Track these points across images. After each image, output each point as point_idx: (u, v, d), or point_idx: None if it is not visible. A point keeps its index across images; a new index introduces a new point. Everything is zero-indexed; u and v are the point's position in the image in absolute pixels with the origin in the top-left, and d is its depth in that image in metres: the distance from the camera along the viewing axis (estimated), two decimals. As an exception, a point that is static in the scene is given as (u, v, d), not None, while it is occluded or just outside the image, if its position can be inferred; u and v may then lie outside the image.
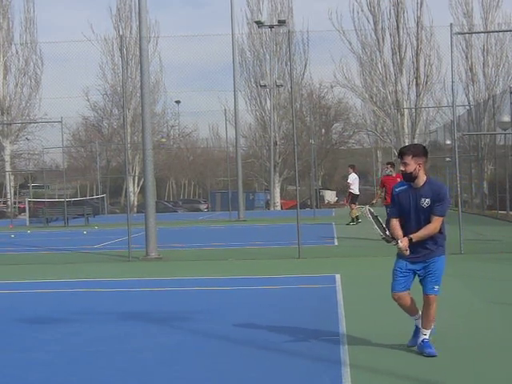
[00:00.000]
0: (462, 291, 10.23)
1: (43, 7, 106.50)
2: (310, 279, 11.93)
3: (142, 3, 16.65)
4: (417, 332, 6.58)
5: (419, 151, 6.40)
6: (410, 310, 6.63)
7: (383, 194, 18.96)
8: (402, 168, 6.38)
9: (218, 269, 13.87)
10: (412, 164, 6.32)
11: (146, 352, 6.94)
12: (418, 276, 6.54)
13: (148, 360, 6.61)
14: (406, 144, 49.33)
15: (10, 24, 50.14)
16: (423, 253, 6.40)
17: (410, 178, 6.38)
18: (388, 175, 19.41)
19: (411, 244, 6.35)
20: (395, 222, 6.46)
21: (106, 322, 8.62)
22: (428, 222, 6.34)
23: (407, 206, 6.37)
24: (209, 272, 13.43)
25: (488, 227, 22.24)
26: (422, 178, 6.37)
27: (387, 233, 6.42)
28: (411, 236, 6.32)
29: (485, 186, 34.22)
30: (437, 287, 6.46)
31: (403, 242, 6.32)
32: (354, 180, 24.82)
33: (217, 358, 6.61)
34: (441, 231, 6.45)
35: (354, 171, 25.11)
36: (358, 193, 25.36)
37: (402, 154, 6.41)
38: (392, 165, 19.80)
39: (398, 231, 6.43)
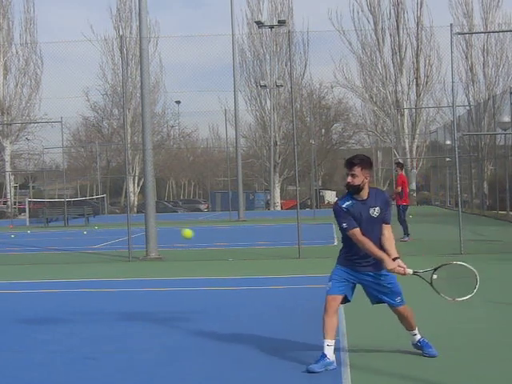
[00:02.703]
0: (462, 291, 10.23)
1: (43, 7, 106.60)
2: (310, 279, 11.91)
3: (142, 3, 16.65)
4: (322, 357, 5.96)
5: (368, 164, 6.11)
6: (330, 326, 6.04)
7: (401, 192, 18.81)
8: (349, 180, 6.06)
9: (218, 269, 13.87)
10: (360, 176, 6.04)
11: (145, 352, 6.94)
12: (366, 287, 6.27)
13: (148, 360, 6.60)
14: (406, 144, 49.56)
15: (10, 24, 50.32)
16: (372, 262, 6.12)
17: (356, 190, 6.08)
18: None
19: (360, 255, 6.12)
20: (362, 235, 6.07)
21: (106, 322, 8.62)
22: (379, 231, 6.14)
23: (359, 219, 6.08)
24: (209, 272, 13.42)
25: (488, 227, 22.24)
26: (366, 190, 6.12)
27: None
28: (396, 257, 6.10)
29: (485, 186, 34.22)
30: (399, 298, 6.29)
31: (401, 268, 6.09)
32: None
33: (217, 358, 6.60)
34: None
35: None
36: None
37: (350, 164, 6.07)
38: (397, 164, 20.38)
39: (376, 248, 6.09)
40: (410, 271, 6.17)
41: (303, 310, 8.90)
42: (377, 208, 6.11)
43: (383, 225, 6.17)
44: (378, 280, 6.22)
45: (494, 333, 7.39)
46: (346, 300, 6.27)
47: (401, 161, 30.57)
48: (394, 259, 6.10)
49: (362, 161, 6.10)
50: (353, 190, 6.11)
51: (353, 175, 6.06)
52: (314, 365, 5.97)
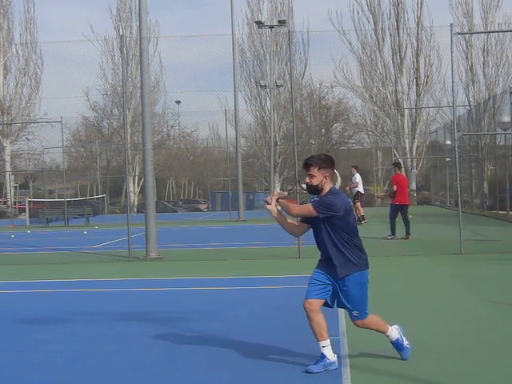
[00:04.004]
0: (462, 291, 10.23)
1: (43, 7, 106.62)
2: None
3: (142, 3, 16.65)
4: (321, 358, 5.97)
5: (326, 163, 6.03)
6: (318, 328, 5.97)
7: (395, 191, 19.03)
8: (308, 180, 6.01)
9: (218, 269, 13.87)
10: (318, 176, 5.98)
11: (145, 352, 6.94)
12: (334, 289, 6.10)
13: (147, 360, 6.60)
14: (406, 144, 49.57)
15: (10, 24, 50.27)
16: (332, 265, 6.01)
17: (315, 190, 6.04)
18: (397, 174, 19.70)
19: (323, 252, 6.13)
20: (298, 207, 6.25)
21: (106, 322, 8.62)
22: (328, 233, 5.99)
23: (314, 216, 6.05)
24: (209, 272, 13.42)
25: (488, 227, 22.23)
26: (325, 190, 6.02)
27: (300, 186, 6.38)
28: (279, 198, 6.10)
29: (485, 186, 34.21)
30: (356, 312, 6.05)
31: (273, 197, 6.10)
32: (360, 180, 24.93)
33: (216, 358, 6.60)
34: (349, 248, 6.01)
35: (357, 171, 25.19)
36: (363, 191, 25.64)
37: (307, 165, 6.02)
38: (395, 165, 20.64)
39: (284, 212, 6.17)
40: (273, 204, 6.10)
41: (303, 310, 8.89)
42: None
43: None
44: (339, 287, 6.04)
45: (494, 333, 7.39)
46: (327, 304, 6.10)
47: (400, 161, 30.61)
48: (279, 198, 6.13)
49: (318, 161, 6.05)
50: (312, 190, 6.06)
51: (310, 175, 6.02)
52: (313, 366, 5.97)
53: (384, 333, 6.25)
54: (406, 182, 19.64)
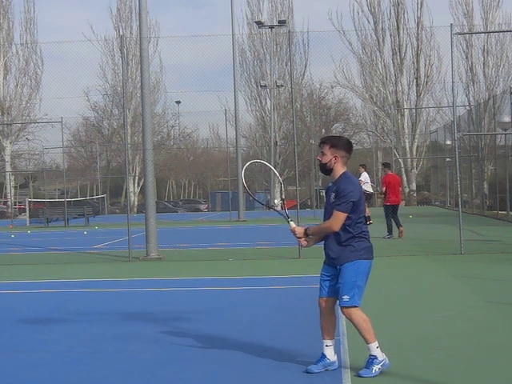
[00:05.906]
0: (462, 291, 10.23)
1: (43, 7, 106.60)
2: (311, 279, 11.87)
3: (142, 3, 16.65)
4: (322, 358, 5.97)
5: (339, 143, 6.01)
6: (328, 327, 6.01)
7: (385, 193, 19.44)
8: (319, 158, 6.07)
9: (219, 269, 13.87)
10: (328, 155, 5.97)
11: (145, 352, 6.94)
12: None
13: (148, 360, 6.60)
14: (407, 144, 49.62)
15: (10, 24, 50.34)
16: (329, 256, 6.02)
17: (324, 169, 6.05)
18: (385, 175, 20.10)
19: (324, 245, 6.07)
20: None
21: (106, 322, 8.62)
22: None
23: (327, 202, 6.06)
24: (209, 272, 13.42)
25: (488, 227, 22.23)
26: (337, 172, 5.98)
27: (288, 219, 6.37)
28: (308, 227, 6.06)
29: (485, 186, 34.22)
30: (346, 297, 5.84)
31: (295, 227, 6.13)
32: (366, 179, 24.73)
33: (217, 358, 6.60)
34: (351, 237, 5.93)
35: (365, 170, 25.02)
36: (372, 191, 25.51)
37: (321, 142, 6.09)
38: (384, 165, 20.97)
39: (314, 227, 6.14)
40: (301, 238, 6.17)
41: (303, 310, 8.90)
42: (334, 194, 5.96)
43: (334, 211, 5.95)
44: (339, 276, 5.98)
45: (494, 333, 7.39)
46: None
47: (401, 161, 30.62)
48: (306, 230, 6.10)
49: (332, 140, 6.08)
50: (322, 169, 6.10)
51: (322, 153, 6.05)
52: (313, 366, 5.96)
53: (367, 342, 5.85)
54: (397, 182, 19.82)
